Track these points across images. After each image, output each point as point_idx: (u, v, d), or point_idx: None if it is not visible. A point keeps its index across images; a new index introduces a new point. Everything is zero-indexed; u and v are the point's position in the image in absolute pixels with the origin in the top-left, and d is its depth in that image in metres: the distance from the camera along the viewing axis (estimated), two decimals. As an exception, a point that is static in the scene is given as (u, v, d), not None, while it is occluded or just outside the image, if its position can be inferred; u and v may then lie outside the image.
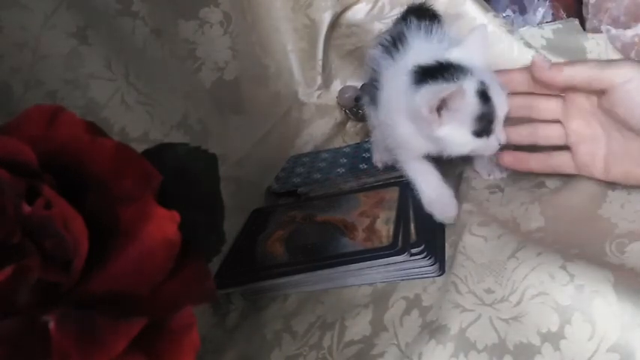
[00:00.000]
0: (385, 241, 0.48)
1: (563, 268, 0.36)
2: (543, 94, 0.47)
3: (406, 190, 0.54)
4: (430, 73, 0.45)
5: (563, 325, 0.34)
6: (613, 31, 0.77)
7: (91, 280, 0.24)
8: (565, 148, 0.47)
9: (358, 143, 0.77)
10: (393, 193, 0.56)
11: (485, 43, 0.47)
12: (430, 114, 0.44)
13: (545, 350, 0.33)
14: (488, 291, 0.38)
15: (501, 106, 0.45)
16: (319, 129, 0.82)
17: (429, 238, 0.47)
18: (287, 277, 0.49)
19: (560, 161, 0.47)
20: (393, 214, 0.52)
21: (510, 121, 0.48)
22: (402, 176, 0.55)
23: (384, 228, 0.50)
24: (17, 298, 0.23)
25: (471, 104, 0.44)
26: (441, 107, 0.44)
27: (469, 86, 0.44)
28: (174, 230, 0.25)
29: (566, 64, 0.43)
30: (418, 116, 0.45)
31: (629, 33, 0.76)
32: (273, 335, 0.46)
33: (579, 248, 0.39)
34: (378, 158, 0.66)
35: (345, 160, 0.72)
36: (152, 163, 0.27)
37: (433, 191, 0.50)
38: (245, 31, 0.75)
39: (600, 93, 0.42)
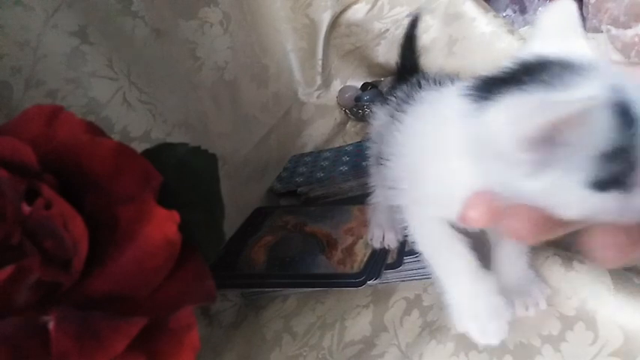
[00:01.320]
0: (356, 268, 0.47)
1: (566, 281, 0.36)
2: None
3: None
4: (510, 80, 0.26)
5: (565, 330, 0.34)
6: (613, 31, 0.77)
7: (91, 280, 0.24)
8: None
9: (360, 142, 0.77)
10: None
11: (577, 20, 0.27)
12: (524, 151, 0.23)
13: (545, 351, 0.33)
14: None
15: None
16: (319, 129, 0.82)
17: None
18: (260, 288, 0.51)
19: None
20: None
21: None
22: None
23: (362, 252, 0.49)
24: (17, 298, 0.23)
25: (597, 130, 0.22)
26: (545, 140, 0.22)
27: (590, 94, 0.23)
28: (174, 230, 0.25)
29: None
30: (490, 152, 0.25)
31: (629, 33, 0.76)
32: (273, 335, 0.46)
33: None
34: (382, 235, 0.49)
35: (347, 159, 0.72)
36: (152, 163, 0.27)
37: (472, 299, 0.33)
38: (245, 31, 0.75)
39: None
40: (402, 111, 0.38)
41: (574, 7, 0.27)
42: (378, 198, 0.49)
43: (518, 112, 0.23)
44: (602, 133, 0.22)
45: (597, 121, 0.22)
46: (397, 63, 0.53)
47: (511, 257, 0.36)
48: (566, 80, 0.24)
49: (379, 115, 0.44)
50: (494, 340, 0.32)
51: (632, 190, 0.23)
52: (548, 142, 0.22)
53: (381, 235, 0.49)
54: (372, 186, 0.49)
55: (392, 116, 0.39)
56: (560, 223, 0.24)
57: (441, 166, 0.30)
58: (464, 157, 0.27)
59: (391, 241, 0.48)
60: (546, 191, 0.24)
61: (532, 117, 0.22)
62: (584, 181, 0.23)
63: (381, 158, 0.40)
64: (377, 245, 0.48)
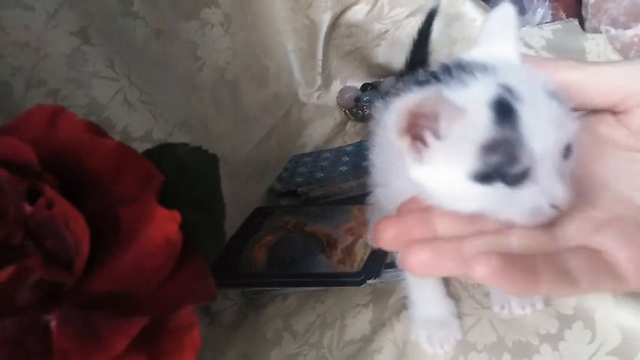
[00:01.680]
0: (355, 267, 0.48)
1: None
2: None
3: None
4: (423, 81, 0.28)
5: (563, 329, 0.34)
6: (612, 31, 0.77)
7: (93, 280, 0.24)
8: None
9: (360, 142, 0.77)
10: None
11: (513, 25, 0.28)
12: (401, 141, 0.25)
13: (543, 350, 0.33)
14: (488, 295, 0.39)
15: (543, 129, 0.24)
16: (319, 129, 0.82)
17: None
18: (261, 287, 0.51)
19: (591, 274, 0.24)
20: None
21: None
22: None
23: (361, 252, 0.50)
24: (19, 298, 0.23)
25: (478, 123, 0.24)
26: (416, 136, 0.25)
27: (478, 92, 0.25)
28: (175, 230, 0.25)
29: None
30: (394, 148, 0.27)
31: (629, 33, 0.76)
32: (274, 334, 0.46)
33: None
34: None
35: (347, 159, 0.72)
36: (153, 163, 0.27)
37: (425, 306, 0.38)
38: (245, 32, 0.75)
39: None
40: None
41: (513, 11, 0.28)
42: (376, 198, 0.48)
43: (395, 106, 0.24)
44: (482, 127, 0.24)
45: (477, 116, 0.24)
46: (406, 58, 0.53)
47: None
48: (461, 79, 0.25)
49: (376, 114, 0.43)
50: (439, 349, 0.36)
51: (516, 185, 0.24)
52: (424, 132, 0.25)
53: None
54: (371, 186, 0.48)
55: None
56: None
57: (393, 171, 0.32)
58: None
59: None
60: (434, 180, 0.25)
61: (400, 108, 0.23)
62: (466, 172, 0.24)
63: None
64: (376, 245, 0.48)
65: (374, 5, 0.82)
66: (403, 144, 0.25)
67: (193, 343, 0.24)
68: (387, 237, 0.26)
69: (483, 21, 0.32)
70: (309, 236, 0.55)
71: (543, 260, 0.23)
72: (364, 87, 0.85)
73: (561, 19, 0.84)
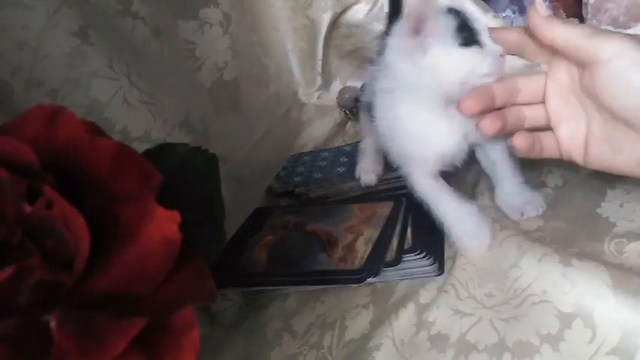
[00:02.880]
0: (357, 264, 0.48)
1: (564, 275, 0.36)
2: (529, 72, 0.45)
3: (399, 205, 0.54)
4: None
5: (564, 329, 0.34)
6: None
7: (92, 280, 0.24)
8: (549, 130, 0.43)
9: (359, 142, 0.77)
10: (385, 209, 0.55)
11: None
12: (411, 39, 0.40)
13: (544, 351, 0.33)
14: (489, 295, 0.39)
15: (481, 25, 0.41)
16: (319, 129, 0.82)
17: (427, 239, 0.47)
18: (262, 286, 0.51)
19: (545, 144, 0.42)
20: (376, 234, 0.51)
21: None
22: (399, 178, 0.55)
23: (362, 249, 0.49)
24: (18, 298, 0.23)
25: (446, 19, 0.40)
26: (418, 33, 0.40)
27: (439, 5, 0.41)
28: (174, 230, 0.25)
29: (561, 22, 0.38)
30: (402, 54, 0.42)
31: (629, 33, 0.76)
32: (274, 334, 0.46)
33: (578, 247, 0.39)
34: (368, 177, 0.61)
35: (345, 159, 0.72)
36: (153, 163, 0.27)
37: (463, 219, 0.45)
38: (245, 32, 0.75)
39: (583, 66, 0.38)
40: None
41: None
42: (366, 143, 0.61)
43: (401, 26, 0.42)
44: (450, 20, 0.40)
45: (443, 15, 0.41)
46: (386, 15, 0.57)
47: (506, 176, 0.47)
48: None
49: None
50: (482, 249, 0.43)
51: (479, 45, 0.41)
52: (421, 35, 0.40)
53: (368, 178, 0.60)
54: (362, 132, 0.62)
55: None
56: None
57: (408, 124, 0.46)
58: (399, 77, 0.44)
59: (372, 180, 0.60)
60: (439, 61, 0.40)
61: (405, 21, 0.41)
62: (453, 43, 0.40)
63: (372, 113, 0.50)
64: (365, 182, 0.60)
65: (374, 5, 0.82)
66: (413, 43, 0.40)
67: (193, 344, 0.24)
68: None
69: None
70: (310, 235, 0.55)
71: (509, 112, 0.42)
72: (364, 87, 0.85)
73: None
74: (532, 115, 0.43)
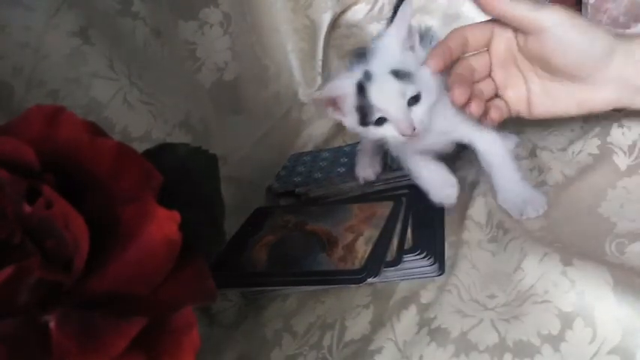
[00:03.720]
0: (357, 264, 0.47)
1: (564, 274, 0.36)
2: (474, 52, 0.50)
3: (399, 205, 0.54)
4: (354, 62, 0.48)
5: (565, 329, 0.34)
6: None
7: (92, 280, 0.24)
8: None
9: (359, 142, 0.77)
10: (385, 209, 0.55)
11: (407, 18, 0.45)
12: (331, 110, 0.48)
13: (545, 351, 0.33)
14: (491, 296, 0.39)
15: (384, 95, 0.44)
16: (319, 129, 0.82)
17: (428, 239, 0.47)
18: (262, 286, 0.51)
19: (499, 106, 0.50)
20: (376, 234, 0.51)
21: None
22: (399, 178, 0.56)
23: (362, 249, 0.49)
24: (18, 298, 0.23)
25: (350, 96, 0.46)
26: (334, 107, 0.48)
27: (353, 78, 0.45)
28: (174, 230, 0.25)
29: None
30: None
31: (629, 33, 0.76)
32: (274, 335, 0.46)
33: (579, 247, 0.39)
34: (366, 172, 0.63)
35: (345, 160, 0.72)
36: (153, 163, 0.27)
37: (432, 173, 0.52)
38: (245, 32, 0.75)
39: (529, 33, 0.45)
40: None
41: (410, 5, 0.45)
42: (364, 144, 0.64)
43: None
44: (353, 98, 0.45)
45: (350, 95, 0.45)
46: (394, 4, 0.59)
47: (507, 175, 0.48)
48: (354, 66, 0.47)
49: None
50: (449, 192, 0.51)
51: (382, 124, 0.45)
52: (336, 103, 0.47)
53: (366, 173, 0.63)
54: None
55: None
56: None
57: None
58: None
59: (370, 176, 0.63)
60: (352, 125, 0.47)
61: (321, 96, 0.51)
62: (357, 121, 0.46)
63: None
64: (364, 177, 0.63)
65: (374, 5, 0.82)
66: (333, 113, 0.48)
67: (193, 344, 0.24)
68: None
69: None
70: (310, 235, 0.55)
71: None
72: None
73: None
74: (483, 88, 0.49)
